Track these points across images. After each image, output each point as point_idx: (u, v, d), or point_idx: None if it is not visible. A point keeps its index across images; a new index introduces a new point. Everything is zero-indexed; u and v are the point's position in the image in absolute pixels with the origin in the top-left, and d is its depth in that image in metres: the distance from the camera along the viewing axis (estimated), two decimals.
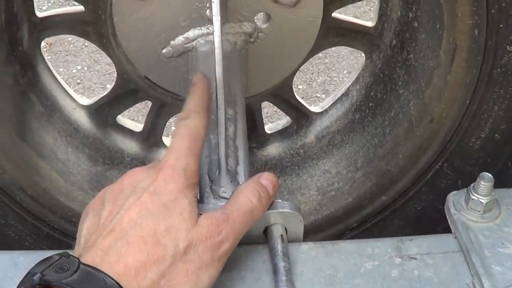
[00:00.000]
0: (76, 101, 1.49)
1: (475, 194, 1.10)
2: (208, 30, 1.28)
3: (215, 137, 1.12)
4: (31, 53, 1.39)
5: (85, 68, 3.06)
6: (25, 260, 1.04)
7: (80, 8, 1.33)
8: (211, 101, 1.10)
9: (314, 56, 1.47)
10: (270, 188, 0.99)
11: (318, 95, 2.78)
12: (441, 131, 1.31)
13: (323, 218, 1.47)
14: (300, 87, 2.81)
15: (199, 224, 0.89)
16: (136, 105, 1.63)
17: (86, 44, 3.11)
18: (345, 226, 1.46)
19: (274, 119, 2.53)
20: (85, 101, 1.50)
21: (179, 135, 0.98)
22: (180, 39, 1.29)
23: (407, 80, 1.38)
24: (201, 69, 1.24)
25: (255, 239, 1.04)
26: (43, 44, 1.43)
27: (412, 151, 1.37)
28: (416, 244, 1.08)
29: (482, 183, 1.09)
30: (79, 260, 0.82)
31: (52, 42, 3.13)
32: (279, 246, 1.01)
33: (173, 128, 2.51)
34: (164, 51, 1.31)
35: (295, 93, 1.50)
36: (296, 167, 1.53)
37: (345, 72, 2.94)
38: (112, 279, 0.80)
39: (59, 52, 3.13)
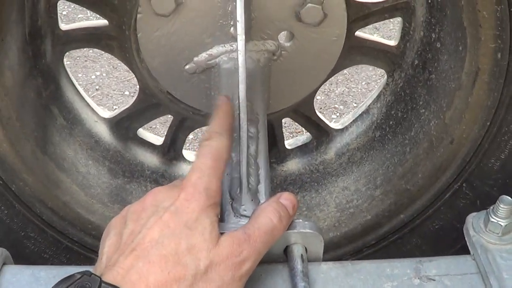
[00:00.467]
0: (98, 114, 1.53)
1: (494, 217, 1.13)
2: (231, 47, 1.31)
3: (237, 155, 1.14)
4: (54, 66, 1.43)
5: (104, 75, 3.10)
6: (46, 275, 1.06)
7: (104, 22, 1.37)
8: (234, 122, 1.14)
9: None
10: (290, 207, 1.02)
11: (337, 106, 2.81)
12: (461, 152, 1.35)
13: (341, 235, 1.51)
14: (318, 97, 2.83)
15: (220, 244, 0.92)
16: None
17: None
18: (363, 243, 1.50)
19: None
20: (106, 114, 1.54)
21: (202, 155, 1.01)
22: (203, 55, 1.33)
23: (428, 100, 1.41)
24: (224, 86, 1.28)
25: (275, 258, 1.06)
26: None
27: (432, 171, 1.40)
28: (435, 265, 1.11)
29: (502, 206, 1.13)
30: (100, 279, 0.85)
31: None
32: (299, 266, 1.03)
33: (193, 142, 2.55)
34: (187, 67, 1.35)
35: (315, 110, 1.53)
36: (316, 183, 1.57)
37: (363, 83, 2.97)
38: None
39: (78, 58, 3.18)
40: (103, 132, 1.53)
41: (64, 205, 1.43)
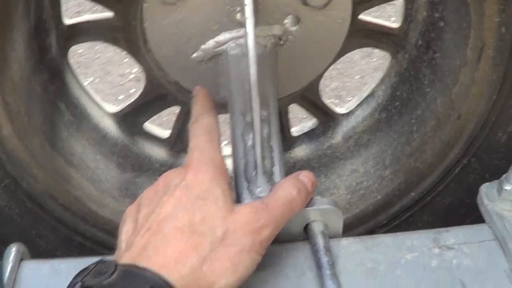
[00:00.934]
0: (104, 109, 1.56)
1: (508, 184, 1.18)
2: (238, 34, 1.35)
3: (250, 139, 1.18)
4: (59, 61, 1.46)
5: (97, 80, 3.11)
6: (66, 268, 1.07)
7: (110, 14, 1.39)
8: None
9: None
10: (308, 184, 1.05)
11: (332, 100, 2.85)
12: (468, 127, 1.40)
13: (353, 217, 1.54)
14: None
15: (237, 212, 0.94)
16: None
17: (97, 56, 3.19)
18: (375, 223, 1.54)
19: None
20: (112, 108, 1.57)
21: (195, 135, 1.07)
22: (210, 43, 1.36)
23: (433, 78, 1.46)
24: (233, 72, 1.32)
25: (296, 236, 1.09)
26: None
27: (440, 148, 1.45)
28: (453, 235, 1.15)
29: None
30: (115, 262, 0.87)
31: None
32: (321, 242, 1.05)
33: None
34: (194, 55, 1.38)
35: (321, 95, 1.57)
36: (324, 168, 1.60)
37: (357, 77, 3.01)
38: (152, 272, 0.84)
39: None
40: (110, 126, 1.56)
41: (76, 200, 1.45)
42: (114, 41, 1.44)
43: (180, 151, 1.62)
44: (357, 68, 3.04)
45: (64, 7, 1.41)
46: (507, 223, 1.15)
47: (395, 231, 1.47)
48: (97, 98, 1.57)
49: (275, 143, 1.21)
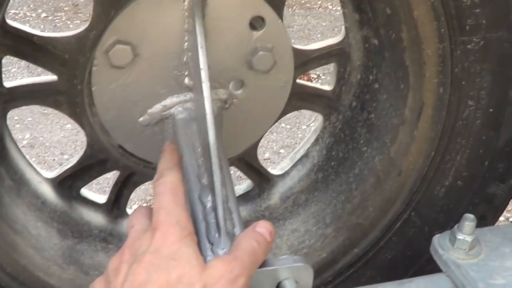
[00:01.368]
0: (40, 174, 1.53)
1: (460, 234, 1.27)
2: (185, 98, 1.38)
3: (209, 201, 1.19)
4: None
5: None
6: None
7: (53, 78, 1.39)
8: (181, 160, 1.21)
9: None
10: (266, 234, 1.07)
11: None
12: (408, 183, 1.49)
13: None
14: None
15: (210, 267, 0.96)
16: None
17: None
18: (320, 281, 1.57)
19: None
20: (49, 174, 1.55)
21: (160, 193, 1.07)
22: (157, 107, 1.38)
23: (370, 138, 1.54)
24: (181, 136, 1.33)
25: None
26: None
27: (382, 203, 1.53)
28: (415, 285, 1.22)
29: (467, 223, 1.26)
30: None
31: None
32: None
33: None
34: (141, 119, 1.39)
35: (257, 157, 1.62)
36: None
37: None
38: None
39: None
40: (48, 192, 1.52)
41: (23, 269, 1.42)
42: (55, 105, 1.43)
43: (117, 216, 1.61)
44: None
45: None
46: (464, 271, 1.23)
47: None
48: (34, 164, 1.54)
49: (233, 204, 1.22)
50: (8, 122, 1.47)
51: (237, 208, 1.23)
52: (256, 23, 1.38)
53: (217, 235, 1.15)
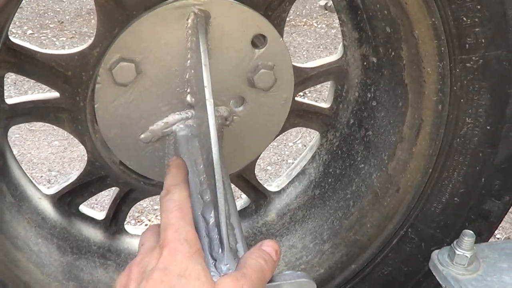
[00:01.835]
0: (40, 191, 1.53)
1: (459, 250, 1.29)
2: (187, 115, 1.39)
3: (211, 217, 1.19)
4: (1, 141, 1.43)
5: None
6: None
7: (55, 94, 1.39)
8: (187, 175, 1.20)
9: None
10: (273, 253, 1.09)
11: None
12: (406, 199, 1.51)
13: None
14: None
15: (219, 284, 0.97)
16: None
17: None
18: None
19: None
20: (49, 190, 1.55)
21: (167, 210, 1.07)
22: (159, 124, 1.39)
23: (367, 155, 1.56)
24: (184, 153, 1.34)
25: None
26: None
27: (380, 220, 1.54)
28: None
29: (466, 239, 1.28)
30: None
31: None
32: None
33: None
34: (142, 136, 1.40)
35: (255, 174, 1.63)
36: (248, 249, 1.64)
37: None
38: None
39: None
40: (48, 209, 1.53)
41: (25, 285, 1.41)
42: (57, 122, 1.43)
43: (115, 233, 1.61)
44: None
45: None
46: (463, 286, 1.25)
47: None
48: (33, 180, 1.54)
49: (235, 220, 1.23)
50: None
51: (239, 224, 1.24)
52: (258, 41, 1.40)
53: (220, 251, 1.16)
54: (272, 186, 1.71)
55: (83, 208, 1.60)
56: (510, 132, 1.43)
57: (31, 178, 1.54)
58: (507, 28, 1.31)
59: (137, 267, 1.00)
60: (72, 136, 1.46)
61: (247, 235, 1.65)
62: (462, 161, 1.45)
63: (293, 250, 1.62)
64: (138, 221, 2.74)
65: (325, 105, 1.63)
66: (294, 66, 1.46)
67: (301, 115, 1.60)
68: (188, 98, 1.38)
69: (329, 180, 1.64)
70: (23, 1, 1.32)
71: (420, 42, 1.35)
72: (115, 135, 1.40)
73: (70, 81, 1.37)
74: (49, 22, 4.58)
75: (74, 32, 4.46)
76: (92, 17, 4.67)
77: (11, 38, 1.35)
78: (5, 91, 1.39)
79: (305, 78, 1.54)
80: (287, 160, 3.23)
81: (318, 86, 3.49)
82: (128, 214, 1.63)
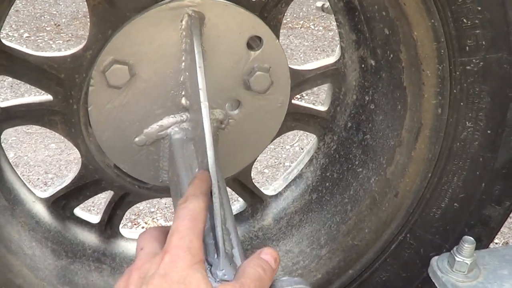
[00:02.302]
0: (34, 194, 1.50)
1: (459, 256, 1.26)
2: (182, 118, 1.35)
3: (208, 222, 1.16)
4: None
5: None
6: None
7: (48, 97, 1.36)
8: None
9: None
10: (271, 262, 1.06)
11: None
12: (404, 204, 1.48)
13: None
14: None
15: None
16: None
17: None
18: None
19: None
20: (43, 194, 1.52)
21: (179, 217, 1.04)
22: (154, 127, 1.36)
23: (365, 159, 1.53)
24: (179, 157, 1.31)
25: None
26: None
27: (378, 225, 1.51)
28: None
29: (466, 245, 1.25)
30: None
31: None
32: None
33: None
34: (137, 139, 1.37)
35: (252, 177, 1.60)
36: (257, 250, 1.61)
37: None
38: None
39: None
40: (42, 212, 1.49)
41: None
42: (50, 125, 1.40)
43: (110, 236, 1.58)
44: None
45: None
46: None
47: None
48: (27, 184, 1.51)
49: (231, 225, 1.20)
50: None
51: (235, 229, 1.21)
52: (254, 43, 1.37)
53: (215, 256, 1.13)
54: (268, 190, 1.68)
55: (78, 211, 1.56)
56: (511, 136, 1.39)
57: (24, 182, 1.51)
58: (508, 30, 1.28)
59: (137, 272, 0.98)
60: None
61: (243, 240, 1.62)
62: (462, 166, 1.42)
63: (289, 255, 1.59)
64: (135, 224, 2.71)
65: (322, 108, 1.60)
66: (290, 69, 1.43)
67: (298, 118, 1.57)
68: (183, 100, 1.35)
69: (327, 184, 1.61)
70: (19, 4, 1.29)
71: (419, 44, 1.32)
72: (109, 138, 1.37)
73: (63, 84, 1.33)
74: (46, 25, 4.55)
75: (70, 35, 4.43)
76: (88, 20, 4.65)
77: (2, 40, 1.33)
78: (1, 94, 1.36)
79: (302, 81, 1.51)
80: (284, 163, 3.20)
81: (315, 89, 3.47)
82: (125, 216, 1.61)
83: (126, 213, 1.62)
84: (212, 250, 1.14)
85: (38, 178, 3.05)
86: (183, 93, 1.35)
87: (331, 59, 1.55)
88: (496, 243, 2.59)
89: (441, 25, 1.28)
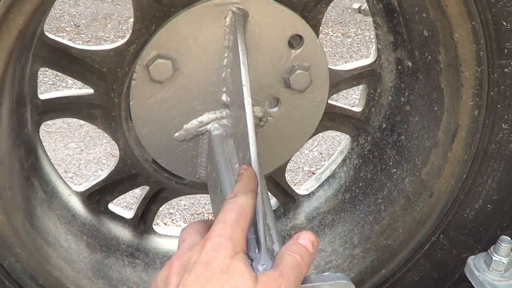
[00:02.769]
0: (70, 188, 1.52)
1: (496, 256, 1.28)
2: (222, 114, 1.38)
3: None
4: (33, 137, 1.42)
5: None
6: None
7: (89, 91, 1.39)
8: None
9: None
10: (309, 246, 1.07)
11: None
12: (439, 205, 1.50)
13: None
14: None
15: (260, 281, 0.96)
16: None
17: None
18: None
19: None
20: (78, 187, 1.54)
21: (226, 209, 1.05)
22: (194, 122, 1.38)
23: (399, 160, 1.55)
24: (218, 152, 1.33)
25: None
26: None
27: (412, 225, 1.53)
28: None
29: (503, 245, 1.27)
30: None
31: None
32: None
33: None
34: (176, 134, 1.39)
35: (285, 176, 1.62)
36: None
37: None
38: None
39: None
40: (78, 206, 1.52)
41: (56, 281, 1.40)
42: (90, 118, 1.43)
43: (144, 232, 1.60)
44: None
45: None
46: None
47: None
48: (63, 177, 1.53)
49: (271, 221, 1.22)
50: None
51: (275, 224, 1.22)
52: (294, 41, 1.39)
53: (257, 250, 1.14)
54: (300, 189, 1.70)
55: (112, 206, 1.59)
56: None
57: (61, 175, 1.52)
58: None
59: (179, 261, 0.99)
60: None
61: None
62: (496, 168, 1.44)
63: (322, 254, 1.61)
64: (154, 225, 2.73)
65: (357, 109, 1.62)
66: (328, 68, 1.45)
67: (333, 118, 1.59)
68: (224, 97, 1.37)
69: (360, 184, 1.63)
70: None
71: (460, 46, 1.33)
72: (149, 132, 1.39)
73: (105, 78, 1.36)
74: (65, 25, 4.58)
75: (90, 36, 4.47)
76: (108, 21, 4.67)
77: (46, 33, 1.35)
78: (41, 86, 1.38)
79: (339, 81, 1.53)
80: (303, 168, 3.22)
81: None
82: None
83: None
84: (253, 245, 1.16)
85: None
86: (224, 89, 1.37)
87: (367, 60, 1.57)
88: None
89: (481, 27, 1.30)
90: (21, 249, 1.33)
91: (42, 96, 1.41)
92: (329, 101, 1.53)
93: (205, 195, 2.75)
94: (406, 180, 1.53)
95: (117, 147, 1.46)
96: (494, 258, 1.28)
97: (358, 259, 1.58)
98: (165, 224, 2.77)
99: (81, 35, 4.47)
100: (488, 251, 1.30)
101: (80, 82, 1.39)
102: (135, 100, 1.35)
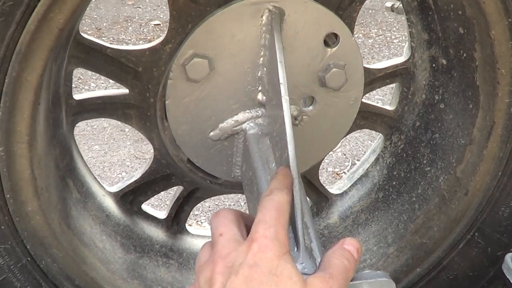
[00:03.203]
0: (104, 188, 1.53)
1: None
2: (257, 113, 1.38)
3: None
4: (68, 137, 1.43)
5: None
6: None
7: (124, 91, 1.39)
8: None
9: None
10: (354, 251, 1.07)
11: None
12: (474, 203, 1.49)
13: None
14: None
15: (309, 284, 0.95)
16: None
17: None
18: None
19: None
20: (112, 188, 1.55)
21: (265, 208, 1.04)
22: (229, 122, 1.39)
23: (433, 158, 1.55)
24: (254, 152, 1.33)
25: None
26: None
27: (447, 223, 1.53)
28: None
29: None
30: None
31: None
32: None
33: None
34: (211, 134, 1.40)
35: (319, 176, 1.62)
36: (323, 248, 1.62)
37: None
38: None
39: None
40: (111, 206, 1.52)
41: (92, 281, 1.41)
42: (125, 118, 1.43)
43: (177, 232, 1.61)
44: None
45: None
46: None
47: None
48: (97, 177, 1.54)
49: (309, 219, 1.21)
50: None
51: (312, 223, 1.22)
52: (330, 40, 1.39)
53: (295, 249, 1.14)
54: (333, 189, 1.70)
55: (145, 206, 1.59)
56: None
57: (95, 176, 1.54)
58: None
59: (223, 261, 0.97)
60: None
61: None
62: None
63: None
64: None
65: (390, 107, 1.62)
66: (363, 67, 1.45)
67: (366, 117, 1.59)
68: (259, 96, 1.37)
69: (394, 183, 1.63)
70: None
71: (496, 43, 1.33)
72: (185, 132, 1.39)
73: (140, 77, 1.36)
74: (87, 28, 4.58)
75: (112, 39, 4.48)
76: (129, 24, 4.68)
77: (81, 33, 1.36)
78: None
79: (372, 79, 1.53)
80: (327, 169, 3.21)
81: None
82: None
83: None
84: (291, 244, 1.15)
85: None
86: (259, 88, 1.37)
87: (401, 59, 1.57)
88: None
89: None
90: (58, 249, 1.34)
91: (76, 97, 1.41)
92: (363, 100, 1.53)
93: (229, 196, 2.78)
94: (441, 178, 1.53)
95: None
96: None
97: (392, 258, 1.57)
98: (189, 225, 2.77)
99: (103, 38, 4.47)
100: None
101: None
102: (171, 100, 1.36)
